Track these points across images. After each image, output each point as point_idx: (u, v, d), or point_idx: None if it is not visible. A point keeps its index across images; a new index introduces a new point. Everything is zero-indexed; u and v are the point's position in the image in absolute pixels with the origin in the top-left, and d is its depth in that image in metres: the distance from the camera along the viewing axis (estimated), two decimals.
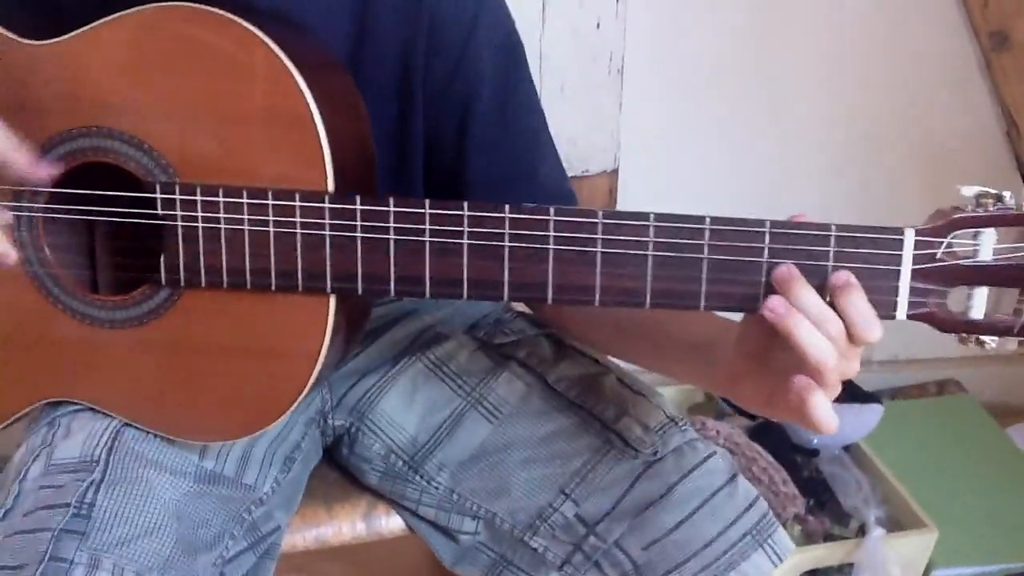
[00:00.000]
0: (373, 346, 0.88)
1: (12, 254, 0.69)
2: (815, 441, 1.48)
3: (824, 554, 1.36)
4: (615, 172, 1.41)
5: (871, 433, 1.54)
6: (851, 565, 1.37)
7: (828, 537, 1.40)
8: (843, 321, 0.61)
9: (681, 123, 1.54)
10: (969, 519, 1.49)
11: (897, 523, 1.43)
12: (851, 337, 0.61)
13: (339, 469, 0.87)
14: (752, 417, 1.56)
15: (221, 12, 0.67)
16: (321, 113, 0.67)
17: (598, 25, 1.39)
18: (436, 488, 0.82)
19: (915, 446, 1.62)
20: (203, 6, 0.68)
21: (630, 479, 0.77)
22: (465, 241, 0.66)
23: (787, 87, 1.55)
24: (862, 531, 1.41)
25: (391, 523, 0.86)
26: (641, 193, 1.43)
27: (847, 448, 1.54)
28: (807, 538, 1.39)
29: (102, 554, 0.66)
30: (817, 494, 1.46)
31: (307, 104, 0.67)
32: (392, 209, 0.66)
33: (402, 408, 0.84)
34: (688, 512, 0.75)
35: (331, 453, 0.88)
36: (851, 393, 1.53)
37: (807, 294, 0.61)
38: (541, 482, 0.79)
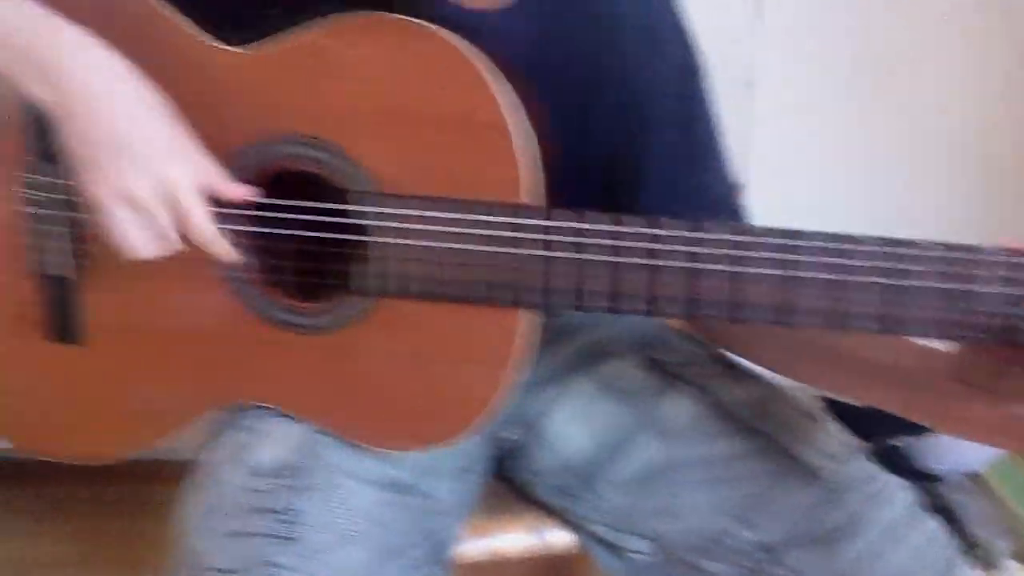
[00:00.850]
0: (542, 361, 0.86)
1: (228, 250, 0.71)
2: (939, 467, 1.44)
3: None
4: (742, 187, 1.40)
5: (993, 460, 1.50)
6: None
7: None
8: None
9: (810, 139, 1.52)
10: None
11: (1020, 555, 1.39)
12: None
13: (507, 482, 0.87)
14: (869, 439, 1.53)
15: (419, 22, 0.68)
16: (514, 123, 0.68)
17: (731, 39, 1.37)
18: (606, 505, 0.81)
19: None
20: (400, 16, 0.68)
21: (811, 506, 0.75)
22: (681, 263, 0.65)
23: (916, 105, 1.52)
24: (988, 562, 1.37)
25: (559, 537, 0.85)
26: (767, 209, 1.41)
27: (969, 475, 1.50)
28: None
29: (312, 560, 0.67)
30: (940, 521, 1.42)
31: (501, 113, 0.67)
32: (594, 226, 0.66)
33: (573, 423, 0.83)
34: (873, 542, 0.73)
35: (500, 465, 0.88)
36: None
37: None
38: (716, 505, 0.78)
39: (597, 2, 0.75)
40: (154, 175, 0.66)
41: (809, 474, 0.76)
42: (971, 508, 1.43)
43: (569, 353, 0.87)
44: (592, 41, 0.75)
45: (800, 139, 1.51)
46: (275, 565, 0.66)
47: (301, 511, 0.70)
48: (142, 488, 1.37)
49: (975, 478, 1.49)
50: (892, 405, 0.77)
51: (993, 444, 0.66)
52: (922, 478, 1.48)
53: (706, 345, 0.88)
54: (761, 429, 0.80)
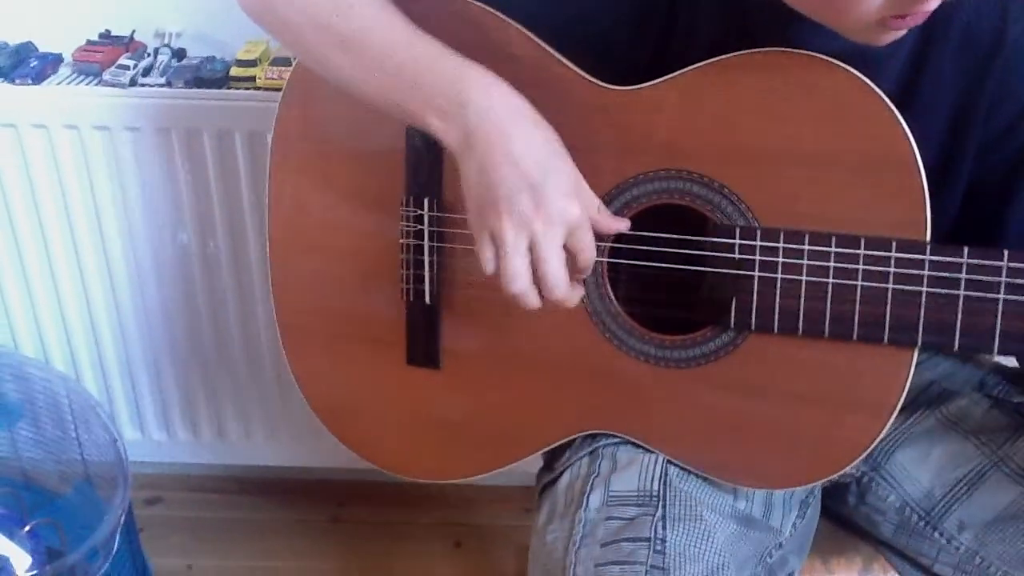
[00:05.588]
0: None
1: (576, 298, 0.72)
2: None
3: None
4: None
5: None
6: None
7: None
8: None
9: None
10: None
11: None
12: None
13: (842, 519, 0.85)
14: None
15: (816, 55, 0.67)
16: (920, 160, 0.66)
17: None
18: (957, 548, 0.78)
19: None
20: (794, 50, 0.68)
21: None
22: None
23: None
24: None
25: None
26: None
27: None
28: None
29: None
30: None
31: (912, 150, 0.66)
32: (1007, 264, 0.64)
33: (918, 460, 0.81)
34: None
35: (832, 500, 0.86)
36: None
37: None
38: None
39: (979, 32, 0.71)
40: (559, 214, 0.68)
41: None
42: None
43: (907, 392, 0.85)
44: (972, 75, 0.71)
45: None
46: None
47: (668, 541, 0.71)
48: (390, 508, 1.48)
49: None
50: None
51: None
52: None
53: None
54: None
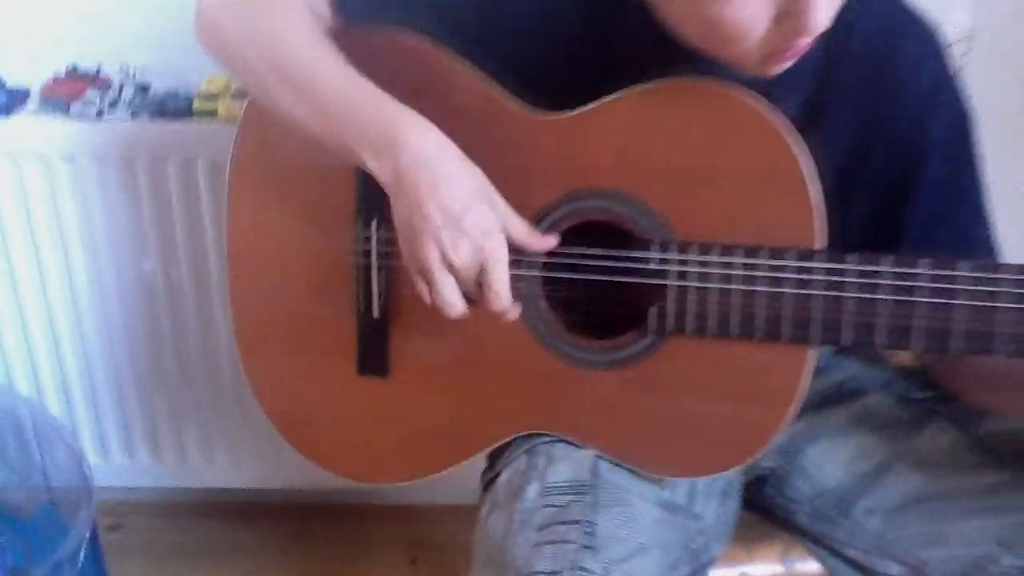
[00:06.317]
0: None
1: (515, 312, 0.79)
2: None
3: None
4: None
5: None
6: None
7: None
8: None
9: None
10: None
11: None
12: None
13: (760, 508, 0.93)
14: None
15: (723, 82, 0.75)
16: (810, 176, 0.74)
17: None
18: (864, 531, 0.86)
19: None
20: (703, 77, 0.76)
21: None
22: (976, 301, 0.69)
23: None
24: None
25: (807, 566, 0.91)
26: None
27: None
28: None
29: (611, 567, 0.75)
30: None
31: (799, 166, 0.74)
32: (888, 268, 0.72)
33: (830, 453, 0.89)
34: None
35: (750, 492, 0.93)
36: None
37: None
38: (979, 532, 0.81)
39: (876, 66, 0.79)
40: (477, 249, 0.75)
41: None
42: None
43: (820, 390, 0.92)
44: (869, 84, 0.79)
45: None
46: (586, 570, 0.74)
47: (598, 525, 0.78)
48: (350, 528, 1.53)
49: None
50: None
51: None
52: None
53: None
54: (1020, 459, 0.84)
